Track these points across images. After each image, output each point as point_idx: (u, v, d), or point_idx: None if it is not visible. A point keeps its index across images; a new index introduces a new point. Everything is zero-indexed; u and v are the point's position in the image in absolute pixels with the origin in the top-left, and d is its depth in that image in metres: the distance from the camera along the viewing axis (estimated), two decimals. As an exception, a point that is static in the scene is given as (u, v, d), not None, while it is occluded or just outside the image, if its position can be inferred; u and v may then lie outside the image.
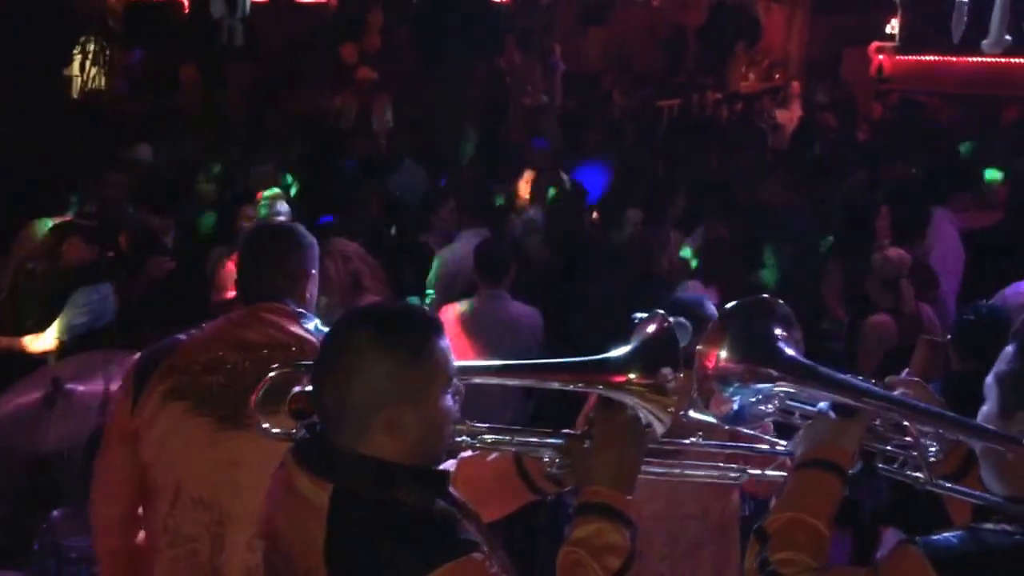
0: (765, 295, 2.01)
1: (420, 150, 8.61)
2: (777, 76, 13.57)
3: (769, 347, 1.86)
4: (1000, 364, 1.76)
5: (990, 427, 1.72)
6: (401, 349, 1.74)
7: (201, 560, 2.48)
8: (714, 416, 1.93)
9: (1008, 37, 5.64)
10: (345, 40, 10.51)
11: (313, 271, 2.83)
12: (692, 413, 1.97)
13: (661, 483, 3.24)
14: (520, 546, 3.80)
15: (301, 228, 2.92)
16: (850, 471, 1.77)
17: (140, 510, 2.64)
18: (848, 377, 1.86)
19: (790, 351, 1.87)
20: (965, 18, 5.77)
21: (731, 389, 1.89)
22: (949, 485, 1.74)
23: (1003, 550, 1.58)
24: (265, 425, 1.99)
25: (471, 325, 4.69)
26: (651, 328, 1.94)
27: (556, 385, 2.06)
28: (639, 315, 2.59)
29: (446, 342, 1.80)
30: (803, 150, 9.47)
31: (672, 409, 1.90)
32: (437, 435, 1.78)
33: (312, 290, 2.83)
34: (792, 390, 1.88)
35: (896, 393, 1.85)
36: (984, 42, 5.39)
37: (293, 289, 2.74)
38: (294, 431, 1.88)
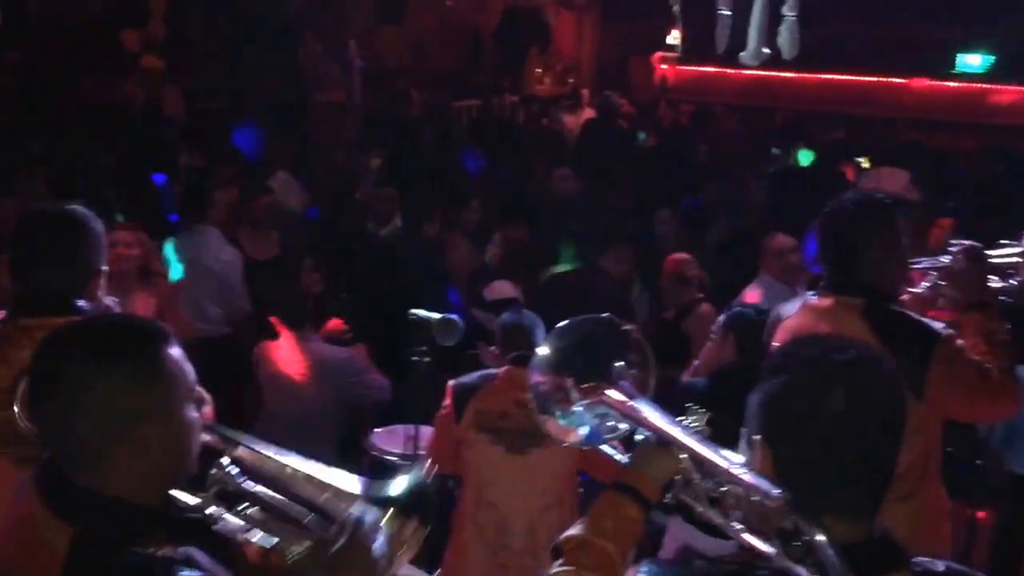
0: (605, 315, 1.90)
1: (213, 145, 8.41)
2: (571, 81, 14.06)
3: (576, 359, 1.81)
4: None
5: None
6: (129, 364, 1.60)
7: None
8: (560, 437, 1.85)
9: (766, 50, 6.15)
10: (126, 26, 10.07)
11: (105, 267, 2.57)
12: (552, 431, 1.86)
13: (518, 474, 3.40)
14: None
15: (87, 213, 2.55)
16: (661, 498, 1.74)
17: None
18: (644, 407, 1.79)
19: (622, 378, 1.82)
20: (728, 31, 6.25)
21: (560, 409, 1.84)
22: (720, 520, 1.65)
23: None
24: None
25: (277, 367, 4.57)
26: (411, 475, 1.82)
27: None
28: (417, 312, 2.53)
29: (177, 349, 1.68)
30: (592, 150, 9.87)
31: (412, 552, 1.79)
32: (184, 450, 1.68)
33: (103, 288, 2.58)
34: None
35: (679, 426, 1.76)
36: (742, 54, 5.86)
37: (84, 291, 2.46)
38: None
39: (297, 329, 4.58)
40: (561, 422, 1.84)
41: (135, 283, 4.79)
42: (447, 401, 3.60)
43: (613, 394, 1.80)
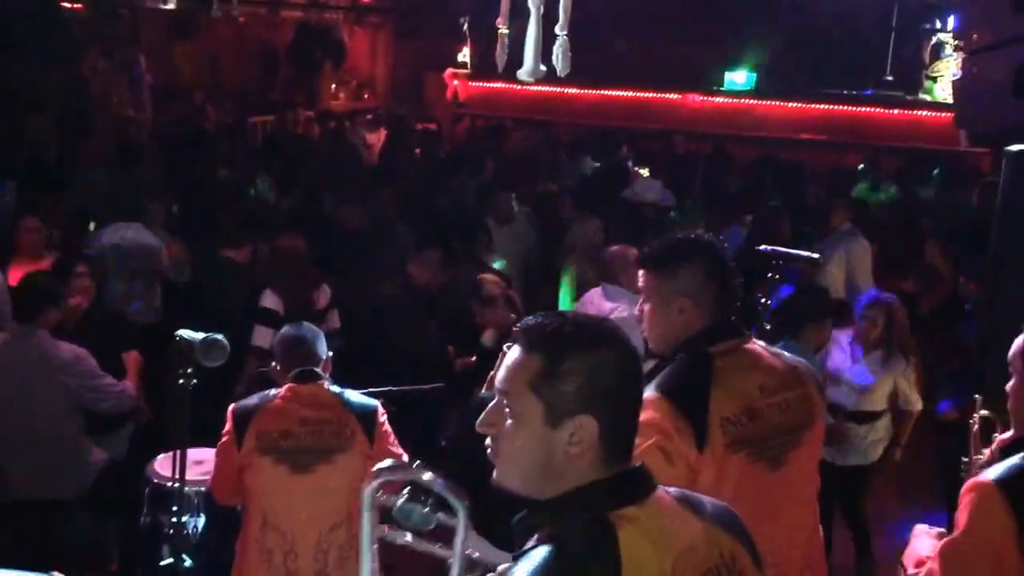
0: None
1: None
2: (366, 96, 14.14)
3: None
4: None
5: None
6: None
7: None
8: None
9: (544, 68, 6.40)
10: None
11: None
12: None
13: (305, 494, 3.34)
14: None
15: None
16: None
17: None
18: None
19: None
20: (507, 49, 6.48)
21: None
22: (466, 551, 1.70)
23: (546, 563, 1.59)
24: None
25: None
26: None
27: None
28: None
29: None
30: (392, 169, 9.99)
31: None
32: None
33: None
34: None
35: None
36: (519, 72, 6.08)
37: None
38: None
39: (21, 321, 4.39)
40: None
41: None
42: (227, 427, 3.47)
43: None
